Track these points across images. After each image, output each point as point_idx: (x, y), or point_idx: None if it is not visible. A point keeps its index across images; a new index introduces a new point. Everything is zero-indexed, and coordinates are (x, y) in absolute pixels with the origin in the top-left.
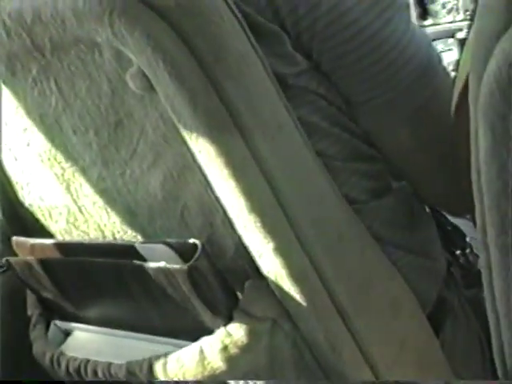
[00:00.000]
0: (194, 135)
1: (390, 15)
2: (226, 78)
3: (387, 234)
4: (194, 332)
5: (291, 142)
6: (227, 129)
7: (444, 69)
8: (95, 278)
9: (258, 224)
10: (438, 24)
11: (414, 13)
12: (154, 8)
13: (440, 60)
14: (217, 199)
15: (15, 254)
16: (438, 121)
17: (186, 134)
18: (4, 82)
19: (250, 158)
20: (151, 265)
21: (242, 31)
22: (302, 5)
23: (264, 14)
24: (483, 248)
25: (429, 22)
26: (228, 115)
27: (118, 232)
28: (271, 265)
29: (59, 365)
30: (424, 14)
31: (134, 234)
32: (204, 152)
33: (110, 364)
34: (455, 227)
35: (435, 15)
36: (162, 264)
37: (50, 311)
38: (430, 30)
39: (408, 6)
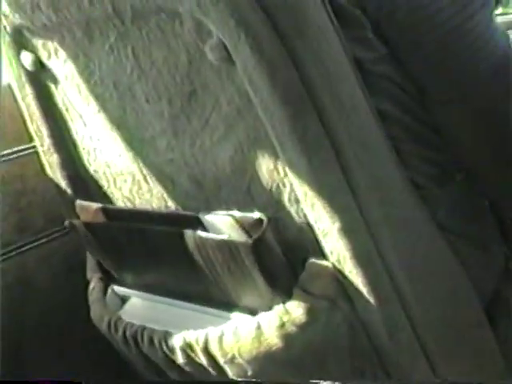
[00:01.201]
0: (270, 109)
1: (472, 11)
2: (306, 52)
3: (450, 223)
4: (253, 306)
5: (365, 124)
6: (304, 104)
7: None
8: (157, 247)
9: (326, 203)
10: (510, 13)
11: None
12: None
13: None
14: (286, 175)
15: (77, 218)
16: (505, 118)
17: (261, 108)
18: (80, 48)
19: (324, 136)
20: (215, 236)
21: (323, 8)
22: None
23: (351, 9)
24: None
25: (499, 11)
26: (305, 91)
27: (182, 203)
28: (335, 245)
29: (116, 330)
30: (496, 3)
31: (198, 205)
32: (278, 127)
33: (166, 333)
34: None
35: (506, 4)
36: (226, 236)
37: (109, 276)
38: (501, 20)
39: (490, 2)
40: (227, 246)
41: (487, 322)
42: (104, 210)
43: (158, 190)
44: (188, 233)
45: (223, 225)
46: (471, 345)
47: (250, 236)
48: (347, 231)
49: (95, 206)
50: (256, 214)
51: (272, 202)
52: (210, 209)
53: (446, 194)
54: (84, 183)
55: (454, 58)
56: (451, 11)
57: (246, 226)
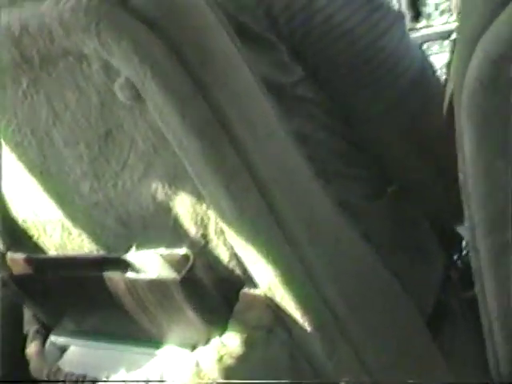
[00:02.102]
0: (184, 144)
1: (385, 27)
2: (215, 84)
3: (382, 237)
4: (191, 342)
5: (282, 150)
6: (217, 137)
7: (438, 79)
8: (89, 292)
9: (250, 231)
10: (432, 26)
11: (407, 15)
12: (141, 17)
13: (433, 70)
14: (209, 208)
15: (10, 271)
16: (433, 129)
17: (175, 143)
18: None
19: (241, 165)
20: (144, 276)
21: (229, 39)
22: (297, 16)
23: (261, 24)
24: (473, 251)
25: (422, 24)
26: (218, 123)
27: (112, 244)
28: (265, 273)
29: (56, 381)
30: (417, 16)
31: (127, 246)
32: (194, 161)
33: (107, 378)
34: (452, 230)
35: (428, 17)
36: (154, 275)
37: (46, 327)
38: (424, 32)
39: (403, 16)
40: (157, 285)
41: (430, 334)
42: (33, 260)
43: (87, 234)
44: (117, 275)
45: (152, 264)
46: (414, 359)
47: (179, 272)
48: (274, 258)
49: (23, 256)
50: (183, 250)
51: (199, 236)
52: (139, 248)
53: (377, 208)
54: (15, 234)
55: (371, 75)
56: (364, 29)
57: (173, 263)
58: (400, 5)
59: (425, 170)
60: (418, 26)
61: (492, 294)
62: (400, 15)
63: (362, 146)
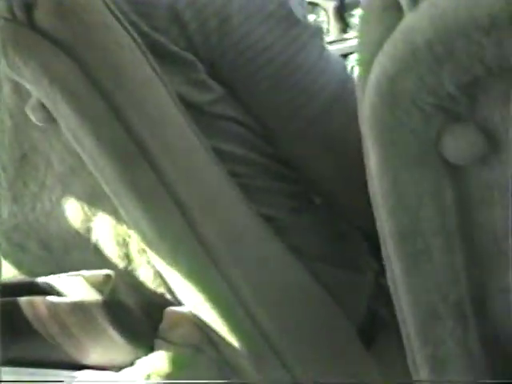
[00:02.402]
0: (100, 165)
1: (303, 42)
2: (128, 106)
3: (309, 249)
4: (117, 363)
5: (201, 168)
6: (132, 157)
7: None
8: (12, 318)
9: (171, 250)
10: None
11: (335, 27)
12: (50, 38)
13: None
14: (129, 227)
15: None
16: (355, 145)
17: (91, 165)
18: None
19: (159, 184)
20: (66, 300)
21: (143, 58)
22: (213, 34)
23: (177, 43)
24: (386, 260)
25: (351, 34)
26: (133, 144)
27: (34, 269)
28: (188, 290)
29: None
30: (345, 27)
31: (50, 270)
32: (111, 181)
33: None
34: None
35: (356, 28)
36: (77, 298)
37: None
38: (352, 43)
39: (321, 31)
40: (80, 308)
41: (361, 344)
42: None
43: (10, 258)
44: (39, 299)
45: (74, 286)
46: (347, 369)
47: (101, 294)
48: (196, 275)
49: None
50: (105, 271)
51: (122, 257)
52: (63, 271)
53: (304, 221)
54: None
55: (290, 91)
56: (281, 45)
57: (96, 285)
58: (328, 16)
59: (348, 183)
60: (346, 36)
61: (407, 303)
62: (317, 30)
63: (285, 161)
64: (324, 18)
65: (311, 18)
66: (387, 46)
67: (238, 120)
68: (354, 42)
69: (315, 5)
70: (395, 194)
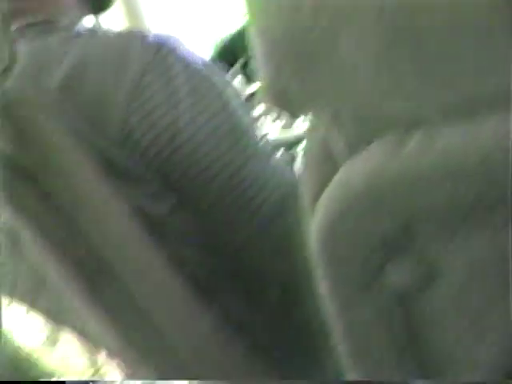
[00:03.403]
0: (66, 283)
1: (249, 154)
2: (91, 227)
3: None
4: None
5: (161, 280)
6: (97, 274)
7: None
8: None
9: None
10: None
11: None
12: (13, 166)
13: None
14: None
15: None
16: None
17: (56, 284)
18: None
19: (123, 297)
20: None
21: (102, 177)
22: (164, 149)
23: (132, 157)
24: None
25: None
26: (97, 262)
27: None
28: None
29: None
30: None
31: None
32: (78, 297)
33: None
34: None
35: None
36: None
37: None
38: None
39: (265, 139)
40: None
41: None
42: None
43: None
44: None
45: None
46: None
47: None
48: None
49: None
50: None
51: (88, 365)
52: None
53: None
54: None
55: (235, 204)
56: (227, 158)
57: None
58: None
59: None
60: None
61: None
62: (265, 140)
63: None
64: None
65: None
66: (325, 194)
67: (192, 228)
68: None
69: None
70: (346, 316)
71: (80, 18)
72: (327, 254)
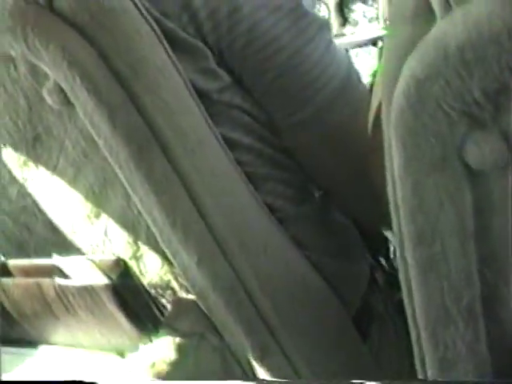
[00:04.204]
0: (114, 150)
1: (311, 34)
2: (145, 92)
3: (310, 241)
4: (122, 348)
5: (212, 156)
6: (147, 144)
7: (364, 86)
8: (18, 299)
9: (182, 238)
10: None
11: (334, 22)
12: (69, 21)
13: (359, 78)
14: (140, 214)
15: None
16: (358, 138)
17: (105, 149)
18: None
19: (171, 172)
20: (74, 282)
21: (160, 45)
22: (223, 22)
23: (187, 30)
24: (401, 262)
25: (349, 30)
26: (148, 130)
27: (41, 250)
28: (196, 278)
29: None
30: (344, 22)
31: (57, 251)
32: (124, 167)
33: None
34: (379, 233)
35: (355, 24)
36: (85, 282)
37: None
38: (351, 39)
39: (328, 24)
40: (88, 291)
41: (358, 336)
42: None
43: (14, 238)
44: (46, 281)
45: (82, 269)
46: (343, 361)
47: (110, 278)
48: (205, 263)
49: None
50: (114, 256)
51: (131, 242)
52: (69, 254)
53: (305, 212)
54: None
55: (296, 83)
56: (289, 36)
57: (104, 269)
58: (329, 11)
59: (351, 178)
60: (345, 31)
61: (420, 305)
62: (325, 23)
63: (290, 154)
64: (325, 12)
65: None
66: (418, 51)
67: (245, 109)
68: (353, 38)
69: None
70: (417, 196)
71: None
72: (406, 123)
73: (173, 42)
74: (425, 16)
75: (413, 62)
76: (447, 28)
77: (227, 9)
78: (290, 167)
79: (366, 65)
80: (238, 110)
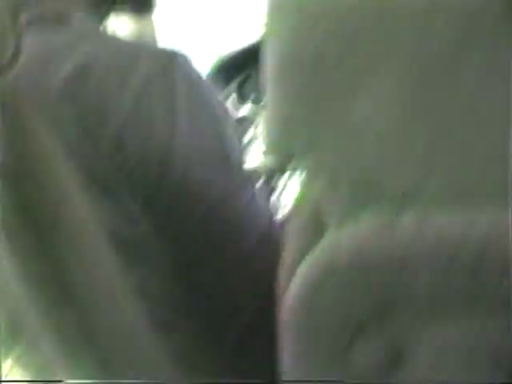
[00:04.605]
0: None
1: (237, 185)
2: (62, 244)
3: None
4: None
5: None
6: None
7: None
8: None
9: None
10: None
11: None
12: None
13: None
14: None
15: None
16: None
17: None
18: None
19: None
20: None
21: (81, 193)
22: (154, 168)
23: (119, 172)
24: None
25: None
26: (61, 282)
27: None
28: None
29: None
30: None
31: None
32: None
33: None
34: None
35: None
36: None
37: None
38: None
39: (255, 174)
40: None
41: None
42: None
43: None
44: None
45: None
46: None
47: None
48: None
49: None
50: None
51: None
52: None
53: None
54: None
55: (218, 232)
56: (215, 187)
57: None
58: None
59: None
60: None
61: None
62: (252, 173)
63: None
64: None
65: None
66: (309, 259)
67: (162, 255)
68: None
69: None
70: None
71: (95, 15)
72: (299, 322)
73: (102, 184)
74: (316, 225)
75: (304, 270)
76: (337, 241)
77: (159, 155)
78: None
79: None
80: (165, 255)
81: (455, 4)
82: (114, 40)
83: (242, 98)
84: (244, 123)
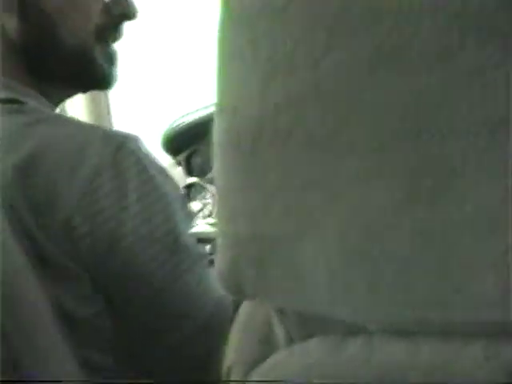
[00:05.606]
0: None
1: (184, 269)
2: (15, 331)
3: None
4: None
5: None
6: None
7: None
8: None
9: None
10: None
11: None
12: None
13: (227, 314)
14: None
15: None
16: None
17: None
18: None
19: None
20: None
21: (35, 281)
22: (103, 253)
23: (69, 256)
24: None
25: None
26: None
27: None
28: None
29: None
30: None
31: None
32: None
33: None
34: None
35: None
36: None
37: None
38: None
39: (206, 256)
40: None
41: None
42: None
43: None
44: None
45: None
46: None
47: None
48: None
49: None
50: None
51: None
52: None
53: None
54: None
55: (160, 316)
56: (163, 270)
57: None
58: (214, 199)
59: None
60: None
61: None
62: (202, 255)
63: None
64: (210, 199)
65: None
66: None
67: (112, 333)
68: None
69: (204, 188)
70: None
71: (49, 100)
72: None
73: (53, 267)
74: (265, 343)
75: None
76: (285, 362)
77: (108, 240)
78: None
79: None
80: (107, 334)
81: None
82: (66, 126)
83: (189, 171)
84: (190, 192)
